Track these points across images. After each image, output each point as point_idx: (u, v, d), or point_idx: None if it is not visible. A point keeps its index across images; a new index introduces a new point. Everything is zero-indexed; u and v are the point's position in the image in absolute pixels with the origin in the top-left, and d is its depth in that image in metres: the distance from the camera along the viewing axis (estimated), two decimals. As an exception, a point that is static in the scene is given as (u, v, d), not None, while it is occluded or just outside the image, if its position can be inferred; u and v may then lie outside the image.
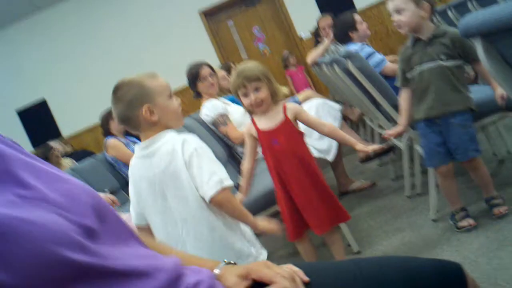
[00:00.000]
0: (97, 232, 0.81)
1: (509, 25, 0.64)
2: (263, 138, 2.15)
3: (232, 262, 1.08)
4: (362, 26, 3.70)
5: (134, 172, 1.74)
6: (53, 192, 0.78)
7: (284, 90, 2.16)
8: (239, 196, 2.12)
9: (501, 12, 0.65)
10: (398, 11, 2.24)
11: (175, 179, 1.66)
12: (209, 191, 1.63)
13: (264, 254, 1.83)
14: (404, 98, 2.43)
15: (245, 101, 2.10)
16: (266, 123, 2.15)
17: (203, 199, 1.66)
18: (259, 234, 1.98)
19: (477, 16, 0.71)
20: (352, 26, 3.68)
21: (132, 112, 1.64)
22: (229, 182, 1.67)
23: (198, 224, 1.68)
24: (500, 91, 2.26)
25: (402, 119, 2.46)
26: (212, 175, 1.64)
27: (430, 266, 1.00)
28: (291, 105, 2.18)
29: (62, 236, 0.72)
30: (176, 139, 1.69)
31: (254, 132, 2.17)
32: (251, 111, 2.16)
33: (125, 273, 0.79)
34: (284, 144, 2.12)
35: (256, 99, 2.07)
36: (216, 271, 1.03)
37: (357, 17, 3.75)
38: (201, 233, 1.68)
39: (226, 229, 1.72)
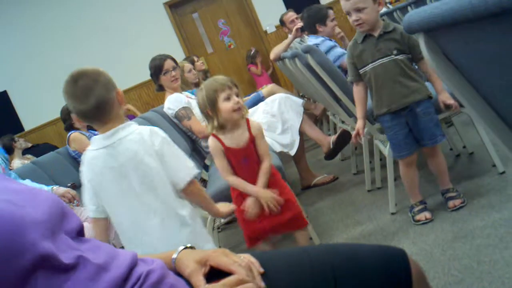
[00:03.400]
0: (56, 227, 0.85)
1: (449, 20, 0.65)
2: (232, 156, 2.14)
3: (188, 246, 1.10)
4: (331, 24, 3.70)
5: (94, 163, 1.69)
6: (12, 194, 0.83)
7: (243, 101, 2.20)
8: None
9: (441, 8, 0.66)
10: (358, 9, 2.23)
11: (143, 168, 1.66)
12: (186, 177, 1.71)
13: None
14: (357, 92, 2.45)
15: (227, 105, 2.05)
16: (232, 140, 2.13)
17: (173, 187, 1.70)
18: (221, 228, 2.01)
19: (419, 11, 0.72)
20: (323, 19, 3.67)
21: (110, 94, 1.63)
22: (197, 170, 1.76)
23: (166, 213, 1.69)
24: (442, 96, 2.31)
25: (359, 113, 2.48)
26: (186, 162, 1.74)
27: (375, 252, 1.04)
28: (255, 123, 2.20)
29: (27, 223, 0.77)
30: (142, 129, 1.71)
31: (221, 147, 2.13)
32: (217, 129, 2.12)
33: (84, 265, 0.83)
34: (253, 160, 2.15)
35: (239, 102, 2.06)
36: (174, 255, 1.06)
37: (330, 12, 3.76)
38: (169, 222, 1.69)
39: (191, 220, 1.74)
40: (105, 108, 1.63)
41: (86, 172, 1.71)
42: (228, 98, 2.05)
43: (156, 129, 1.74)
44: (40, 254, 0.75)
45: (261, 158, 2.18)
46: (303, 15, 3.87)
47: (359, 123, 2.47)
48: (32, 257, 0.74)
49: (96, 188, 1.70)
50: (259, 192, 2.11)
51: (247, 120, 2.17)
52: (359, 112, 2.49)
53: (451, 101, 2.28)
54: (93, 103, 1.59)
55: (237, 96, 2.08)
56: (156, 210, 1.68)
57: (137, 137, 1.68)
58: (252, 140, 2.14)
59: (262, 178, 2.14)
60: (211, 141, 2.16)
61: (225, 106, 2.05)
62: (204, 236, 1.79)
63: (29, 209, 0.81)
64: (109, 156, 1.66)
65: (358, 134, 2.46)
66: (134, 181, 1.66)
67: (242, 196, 2.17)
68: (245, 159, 2.14)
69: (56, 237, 0.83)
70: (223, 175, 2.17)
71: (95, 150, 1.70)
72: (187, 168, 1.73)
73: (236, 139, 2.13)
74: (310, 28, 3.75)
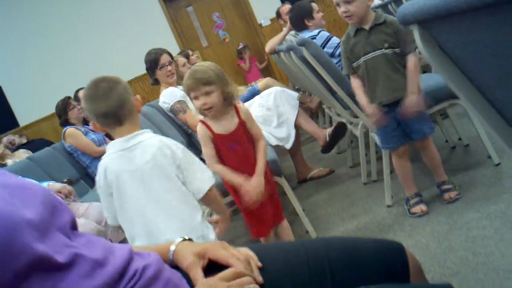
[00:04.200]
0: (49, 224, 0.84)
1: (443, 11, 0.65)
2: (220, 142, 2.10)
3: (186, 238, 1.10)
4: (318, 15, 3.74)
5: (110, 167, 1.67)
6: (5, 191, 0.82)
7: (241, 90, 2.14)
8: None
9: None
10: (348, 1, 2.23)
11: (160, 171, 1.67)
12: (205, 185, 1.74)
13: None
14: (355, 82, 2.40)
15: (195, 104, 2.05)
16: (221, 127, 2.09)
17: (192, 193, 1.73)
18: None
19: (413, 3, 0.72)
20: (309, 14, 3.70)
21: (130, 96, 1.67)
22: (214, 180, 1.81)
23: (179, 215, 1.69)
24: (409, 100, 2.22)
25: (363, 100, 2.37)
26: (205, 171, 1.78)
27: (372, 245, 1.04)
28: (244, 108, 2.17)
29: (22, 225, 0.76)
30: (161, 137, 1.73)
31: (210, 135, 2.10)
32: (202, 113, 2.11)
33: (79, 262, 0.82)
34: (242, 146, 2.12)
35: (205, 104, 2.00)
36: (172, 247, 1.06)
37: (314, 5, 3.78)
38: (182, 224, 1.69)
39: (202, 223, 1.76)
40: (126, 107, 1.65)
41: (101, 178, 1.69)
42: (196, 98, 2.03)
43: (174, 141, 1.76)
44: (35, 256, 0.75)
45: (255, 138, 2.16)
46: (289, 16, 3.92)
47: (370, 110, 2.34)
48: (27, 259, 0.73)
49: (110, 192, 1.69)
50: (244, 183, 2.07)
51: (235, 106, 2.13)
52: (362, 99, 2.37)
53: (413, 109, 2.22)
54: (115, 101, 1.61)
55: (208, 94, 2.00)
56: (169, 212, 1.68)
57: (155, 141, 1.69)
58: (242, 124, 2.11)
59: (260, 155, 2.14)
60: (199, 128, 2.12)
61: (195, 103, 2.06)
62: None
63: (23, 209, 0.80)
64: (126, 158, 1.66)
65: (377, 119, 2.33)
66: (150, 184, 1.67)
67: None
68: (234, 145, 2.10)
69: (49, 236, 0.82)
70: (209, 164, 2.11)
71: (111, 153, 1.69)
72: (206, 178, 1.76)
73: (225, 125, 2.10)
74: (299, 25, 3.79)
